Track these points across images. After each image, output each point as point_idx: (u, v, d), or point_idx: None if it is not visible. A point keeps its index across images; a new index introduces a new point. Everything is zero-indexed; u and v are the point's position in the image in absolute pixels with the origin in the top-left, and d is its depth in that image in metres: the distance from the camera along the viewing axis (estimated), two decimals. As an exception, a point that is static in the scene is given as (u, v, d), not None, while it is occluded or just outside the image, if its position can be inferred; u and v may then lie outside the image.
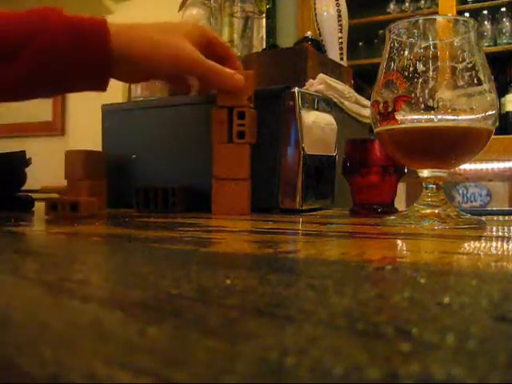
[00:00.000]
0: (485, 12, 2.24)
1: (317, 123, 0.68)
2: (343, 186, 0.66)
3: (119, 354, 0.12)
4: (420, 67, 0.45)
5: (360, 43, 2.42)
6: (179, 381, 0.10)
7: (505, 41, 2.20)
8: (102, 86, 0.57)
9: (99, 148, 0.81)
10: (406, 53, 0.46)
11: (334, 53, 0.90)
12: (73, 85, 0.56)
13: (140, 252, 0.31)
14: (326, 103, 0.73)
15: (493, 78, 0.47)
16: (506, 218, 0.58)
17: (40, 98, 0.58)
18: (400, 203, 0.66)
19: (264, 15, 0.88)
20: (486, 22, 2.23)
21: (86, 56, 0.53)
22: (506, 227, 0.46)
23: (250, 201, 0.64)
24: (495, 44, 2.22)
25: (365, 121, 0.86)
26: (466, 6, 2.26)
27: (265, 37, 0.90)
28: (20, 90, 0.55)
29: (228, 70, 0.59)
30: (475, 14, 2.21)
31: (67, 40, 0.52)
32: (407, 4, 2.41)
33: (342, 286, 0.20)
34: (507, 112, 2.12)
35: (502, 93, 2.09)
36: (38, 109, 2.87)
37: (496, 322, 0.14)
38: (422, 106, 0.45)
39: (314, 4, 0.92)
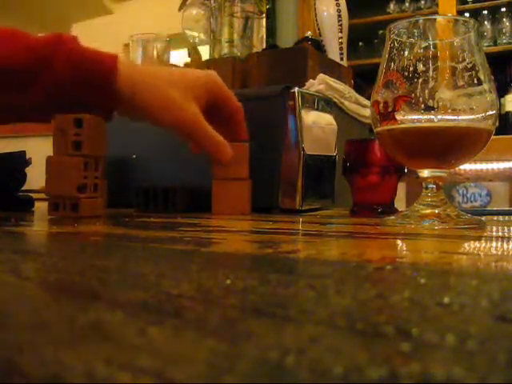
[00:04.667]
0: (485, 12, 2.24)
1: (317, 123, 0.68)
2: (343, 186, 0.66)
3: (119, 353, 0.12)
4: (420, 67, 0.45)
5: (360, 43, 2.42)
6: (179, 381, 0.10)
7: (505, 41, 2.20)
8: (107, 118, 0.58)
9: (99, 148, 0.80)
10: (406, 53, 0.46)
11: (334, 53, 0.90)
12: (82, 112, 0.57)
13: (140, 252, 0.31)
14: (326, 103, 0.73)
15: (493, 78, 0.47)
16: (506, 218, 0.58)
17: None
18: (400, 203, 0.66)
19: (264, 15, 0.88)
20: (486, 22, 2.23)
21: (91, 92, 0.54)
22: (506, 227, 0.46)
23: (250, 201, 0.64)
24: (495, 44, 2.22)
25: (365, 121, 0.86)
26: (466, 6, 2.27)
27: (265, 37, 0.90)
28: (35, 113, 0.56)
29: (222, 142, 0.57)
30: (475, 14, 2.21)
31: (71, 76, 0.53)
32: (407, 4, 2.41)
33: (342, 285, 0.20)
34: (507, 112, 2.12)
35: (502, 93, 2.09)
36: (38, 109, 2.87)
37: (496, 321, 0.14)
38: (422, 106, 0.45)
39: (314, 4, 0.92)
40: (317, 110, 0.70)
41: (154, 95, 0.55)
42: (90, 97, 0.54)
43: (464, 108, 0.45)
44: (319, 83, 0.75)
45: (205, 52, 0.92)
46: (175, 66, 0.80)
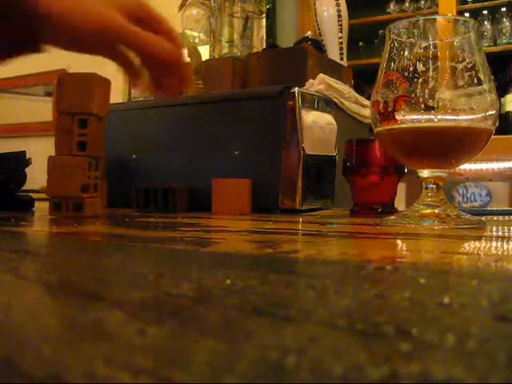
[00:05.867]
0: (485, 12, 2.24)
1: (317, 123, 0.68)
2: (343, 186, 0.66)
3: (119, 353, 0.12)
4: (420, 67, 0.45)
5: (360, 43, 2.42)
6: (179, 381, 0.10)
7: (505, 41, 2.20)
8: (34, 47, 0.51)
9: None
10: (406, 53, 0.46)
11: (334, 53, 0.90)
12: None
13: (140, 252, 0.31)
14: (326, 103, 0.73)
15: (493, 77, 0.47)
16: (506, 218, 0.58)
17: None
18: (400, 203, 0.66)
19: (264, 15, 0.88)
20: (485, 22, 2.22)
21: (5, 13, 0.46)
22: (506, 227, 0.46)
23: (250, 201, 0.64)
24: (495, 44, 2.22)
25: (365, 121, 0.86)
26: (466, 6, 2.26)
27: (265, 37, 0.90)
28: None
29: (159, 38, 0.52)
30: (475, 14, 2.21)
31: None
32: (407, 4, 2.41)
33: (342, 285, 0.20)
34: (507, 112, 2.11)
35: (502, 93, 2.09)
36: (38, 109, 2.87)
37: (496, 321, 0.14)
38: (422, 105, 0.45)
39: (314, 4, 0.92)
40: (317, 109, 0.70)
41: (73, 4, 0.48)
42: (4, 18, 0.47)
43: (464, 108, 0.45)
44: (319, 83, 0.75)
45: (205, 52, 0.92)
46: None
